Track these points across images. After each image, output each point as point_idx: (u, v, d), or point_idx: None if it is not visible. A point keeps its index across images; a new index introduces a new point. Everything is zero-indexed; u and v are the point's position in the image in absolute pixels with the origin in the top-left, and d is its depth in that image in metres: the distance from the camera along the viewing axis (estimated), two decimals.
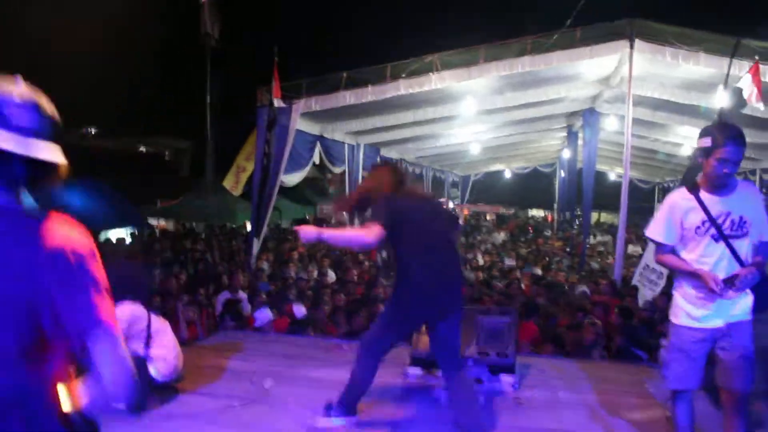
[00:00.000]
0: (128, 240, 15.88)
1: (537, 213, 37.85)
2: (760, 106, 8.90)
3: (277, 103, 10.55)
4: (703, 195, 3.33)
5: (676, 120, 14.20)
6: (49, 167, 1.63)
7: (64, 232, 1.58)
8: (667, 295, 8.80)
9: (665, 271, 9.56)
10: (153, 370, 4.29)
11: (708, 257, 3.29)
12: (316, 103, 11.20)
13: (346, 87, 11.09)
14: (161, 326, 4.35)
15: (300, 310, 7.71)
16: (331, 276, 10.92)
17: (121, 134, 30.82)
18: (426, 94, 11.56)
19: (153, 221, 18.90)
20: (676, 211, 3.38)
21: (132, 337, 4.16)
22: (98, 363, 1.58)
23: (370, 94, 10.99)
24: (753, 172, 18.45)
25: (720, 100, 9.10)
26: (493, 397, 4.69)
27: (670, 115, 13.82)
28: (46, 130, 1.61)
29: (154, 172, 26.54)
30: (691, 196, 3.35)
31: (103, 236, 15.95)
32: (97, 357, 1.58)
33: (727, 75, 6.37)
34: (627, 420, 4.29)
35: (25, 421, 1.54)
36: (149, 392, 4.26)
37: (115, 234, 16.00)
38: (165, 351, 4.32)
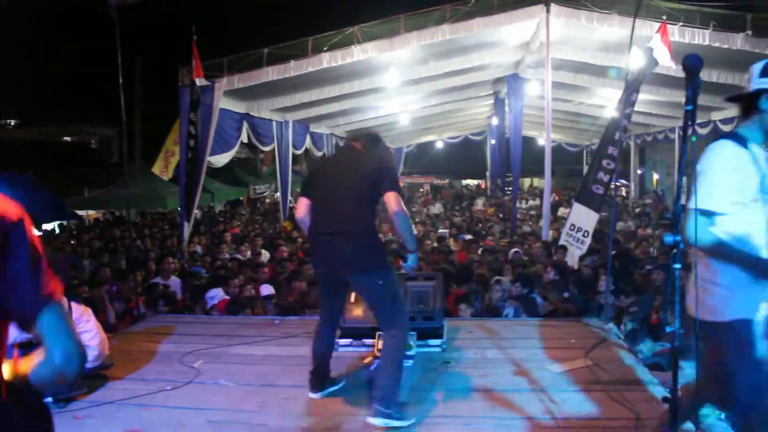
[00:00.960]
0: (57, 231, 15.44)
1: (471, 182, 38.37)
2: (672, 64, 9.21)
3: (199, 82, 10.34)
4: (756, 149, 2.66)
5: (597, 83, 14.55)
6: None
7: None
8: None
9: (591, 229, 9.89)
10: None
11: (761, 227, 2.61)
12: (239, 81, 11.04)
13: (268, 63, 10.96)
14: (82, 314, 4.27)
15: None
16: (266, 255, 10.85)
17: (43, 124, 29.64)
18: (350, 67, 11.53)
19: (82, 212, 18.38)
20: (742, 169, 2.59)
21: None
22: (44, 335, 1.55)
23: (292, 69, 10.90)
24: (672, 130, 19.09)
25: (633, 61, 9.37)
26: (423, 360, 4.80)
27: (591, 78, 14.16)
28: None
29: (81, 161, 25.69)
30: (746, 150, 2.62)
31: None
32: (43, 329, 1.55)
33: (631, 36, 6.56)
34: (550, 372, 4.47)
35: None
36: (75, 381, 4.19)
37: (42, 227, 15.52)
38: (87, 337, 4.24)
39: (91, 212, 19.49)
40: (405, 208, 3.74)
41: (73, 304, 4.20)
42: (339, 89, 13.44)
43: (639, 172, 28.27)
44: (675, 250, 2.18)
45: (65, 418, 3.92)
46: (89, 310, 4.42)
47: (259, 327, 5.99)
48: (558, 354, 4.85)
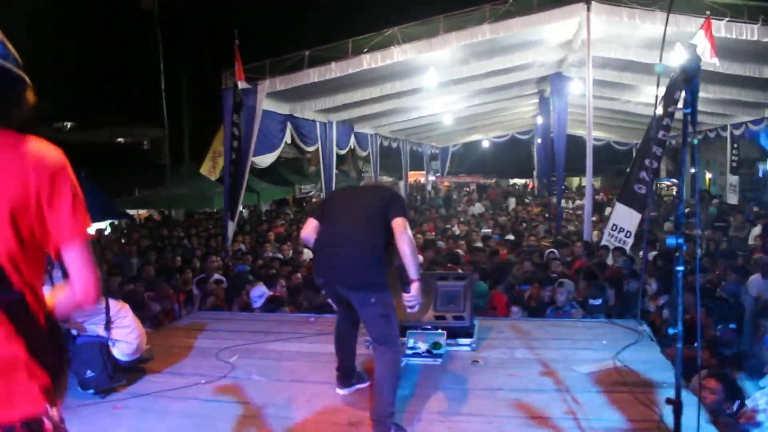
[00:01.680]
0: (107, 231, 15.93)
1: (518, 181, 38.04)
2: (715, 61, 9.04)
3: (242, 85, 10.56)
4: None
5: (643, 80, 14.28)
6: (18, 85, 1.76)
7: (44, 147, 1.75)
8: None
9: (633, 230, 9.76)
10: (116, 351, 4.40)
11: None
12: (281, 83, 11.23)
13: (309, 65, 11.12)
14: (120, 309, 4.44)
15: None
16: (308, 254, 11.01)
17: (97, 126, 30.50)
18: (390, 68, 11.62)
19: (133, 211, 18.90)
20: None
21: (91, 322, 4.26)
22: (70, 268, 1.76)
23: (333, 70, 11.04)
24: (724, 128, 18.63)
25: (677, 58, 9.22)
26: (451, 360, 4.85)
27: (636, 76, 13.91)
28: (8, 55, 1.74)
29: (133, 162, 26.37)
30: None
31: None
32: (69, 262, 1.76)
33: (665, 31, 6.46)
34: (578, 373, 4.46)
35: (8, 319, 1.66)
36: (114, 373, 4.38)
37: (94, 226, 16.04)
38: (125, 332, 4.43)
39: (142, 212, 20.01)
40: (411, 234, 3.81)
41: (111, 300, 4.38)
42: (380, 90, 13.53)
43: (692, 171, 27.62)
44: (678, 253, 2.19)
45: (105, 407, 4.11)
46: (126, 306, 4.60)
47: (295, 324, 6.12)
48: (588, 355, 4.84)
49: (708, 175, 26.56)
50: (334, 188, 15.99)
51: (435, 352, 4.85)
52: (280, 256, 10.43)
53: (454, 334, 5.05)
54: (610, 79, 13.92)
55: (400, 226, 3.73)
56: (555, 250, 10.03)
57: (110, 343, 4.39)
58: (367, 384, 4.28)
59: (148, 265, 8.72)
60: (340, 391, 4.22)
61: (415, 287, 3.83)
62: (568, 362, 4.68)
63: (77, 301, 1.81)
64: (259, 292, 7.23)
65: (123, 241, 13.77)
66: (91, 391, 4.29)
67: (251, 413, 3.95)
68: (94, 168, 19.68)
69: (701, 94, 13.99)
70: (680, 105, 10.33)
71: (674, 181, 26.80)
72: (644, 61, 12.04)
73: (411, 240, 3.76)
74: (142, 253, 11.23)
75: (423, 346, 4.89)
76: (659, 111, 9.59)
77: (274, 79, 11.22)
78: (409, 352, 4.86)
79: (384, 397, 3.56)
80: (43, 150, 1.74)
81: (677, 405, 2.30)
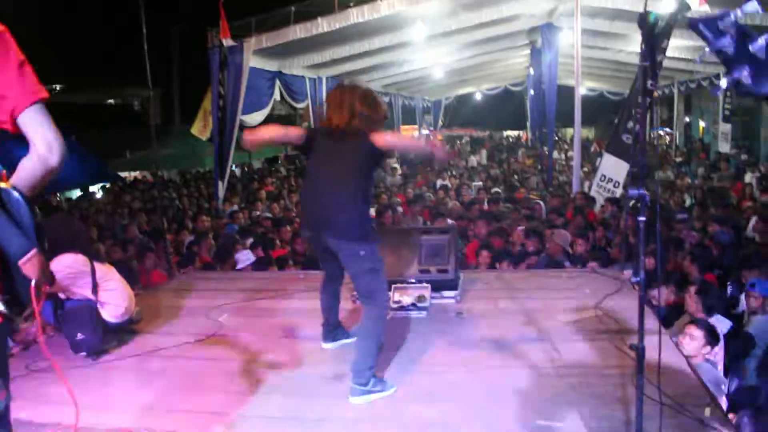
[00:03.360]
0: (99, 194, 15.95)
1: (511, 133, 37.90)
2: (705, 8, 8.96)
3: (227, 43, 10.45)
4: None
5: (634, 29, 14.10)
6: None
7: None
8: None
9: (621, 180, 9.80)
10: (105, 314, 4.46)
11: None
12: (267, 40, 11.12)
13: (295, 21, 10.99)
14: (106, 272, 4.48)
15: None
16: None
17: (87, 88, 30.16)
18: (378, 22, 11.48)
19: (125, 173, 18.88)
20: None
21: (78, 286, 4.31)
22: (28, 130, 1.80)
23: (320, 25, 10.91)
24: (717, 76, 18.50)
25: (667, 6, 9.15)
26: (436, 312, 4.93)
27: (629, 24, 13.75)
28: None
29: (124, 123, 26.16)
30: None
31: (72, 194, 16.01)
32: (26, 125, 1.80)
33: None
34: (560, 322, 4.55)
35: None
36: (104, 335, 4.46)
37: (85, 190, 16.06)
38: (113, 295, 4.48)
39: (134, 173, 19.99)
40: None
41: (96, 264, 4.42)
42: (369, 44, 13.38)
43: (686, 120, 27.52)
44: (639, 204, 2.23)
45: (97, 369, 4.19)
46: (113, 269, 4.63)
47: (284, 281, 6.20)
48: (570, 304, 4.92)
49: (701, 124, 26.49)
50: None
51: (419, 305, 4.93)
52: (268, 214, 10.47)
53: (438, 287, 5.12)
54: (602, 28, 13.78)
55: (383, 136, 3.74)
56: (541, 202, 10.09)
57: (99, 306, 4.44)
58: (353, 339, 4.36)
59: (133, 226, 8.74)
60: (325, 346, 4.30)
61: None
62: (551, 312, 4.77)
63: (42, 160, 1.80)
64: (245, 256, 7.28)
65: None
66: (83, 353, 4.37)
67: (239, 370, 4.03)
68: (84, 130, 19.64)
69: (693, 43, 13.90)
70: (679, 54, 10.30)
71: (667, 130, 26.75)
72: (635, 9, 11.91)
73: (399, 137, 3.78)
74: (133, 215, 11.27)
75: (407, 300, 4.96)
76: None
77: (260, 36, 11.11)
78: (393, 305, 4.93)
79: (365, 350, 3.60)
80: None
81: (640, 351, 2.37)
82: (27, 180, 1.81)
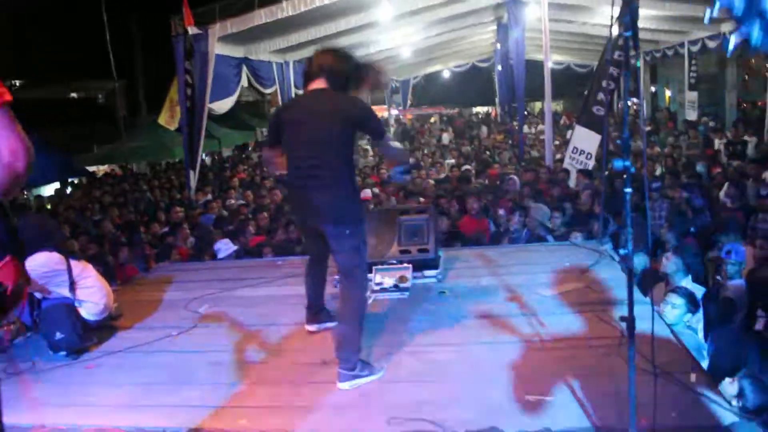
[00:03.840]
0: (68, 190, 15.66)
1: (481, 109, 37.93)
2: None
3: (192, 30, 10.26)
4: None
5: (599, 1, 14.18)
6: None
7: None
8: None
9: (593, 151, 9.86)
10: (83, 312, 4.39)
11: None
12: (232, 26, 10.91)
13: (260, 5, 10.81)
14: (82, 269, 4.40)
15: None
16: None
17: (48, 83, 29.49)
18: (344, 3, 11.34)
19: (93, 168, 18.54)
20: None
21: (54, 284, 4.23)
22: None
23: (285, 9, 10.73)
24: (681, 45, 18.63)
25: None
26: (418, 292, 4.92)
27: None
28: None
29: (89, 117, 25.65)
30: None
31: (40, 191, 15.71)
32: None
33: None
34: (542, 296, 4.57)
35: None
36: (84, 333, 4.38)
37: (53, 187, 15.76)
38: (91, 292, 4.40)
39: (102, 167, 19.65)
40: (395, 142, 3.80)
41: (72, 261, 4.34)
42: (335, 26, 13.21)
43: (652, 89, 27.73)
44: (625, 175, 2.22)
45: (77, 368, 4.13)
46: (89, 266, 4.55)
47: (262, 269, 6.15)
48: (552, 278, 4.95)
49: (668, 93, 26.74)
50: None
51: (401, 286, 4.92)
52: (242, 201, 10.36)
53: (419, 266, 5.11)
54: (567, 1, 13.79)
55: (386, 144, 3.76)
56: (515, 178, 10.13)
57: (77, 304, 4.36)
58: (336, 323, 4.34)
59: (106, 221, 8.60)
60: (309, 328, 4.25)
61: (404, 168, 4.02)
62: (533, 286, 4.78)
63: (7, 164, 1.75)
64: (225, 245, 7.21)
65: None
66: (63, 353, 4.29)
67: (224, 360, 3.99)
68: (48, 125, 19.24)
69: (657, 12, 13.98)
70: (643, 23, 10.30)
71: (635, 100, 26.97)
72: None
73: (396, 144, 3.83)
74: (104, 210, 11.09)
75: (389, 281, 4.95)
76: (615, 31, 9.57)
77: (225, 22, 10.89)
78: (375, 288, 4.92)
79: (349, 333, 3.57)
80: None
81: (630, 322, 2.38)
82: None
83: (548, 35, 10.73)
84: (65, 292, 4.29)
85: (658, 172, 11.17)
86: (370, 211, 6.13)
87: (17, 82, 31.09)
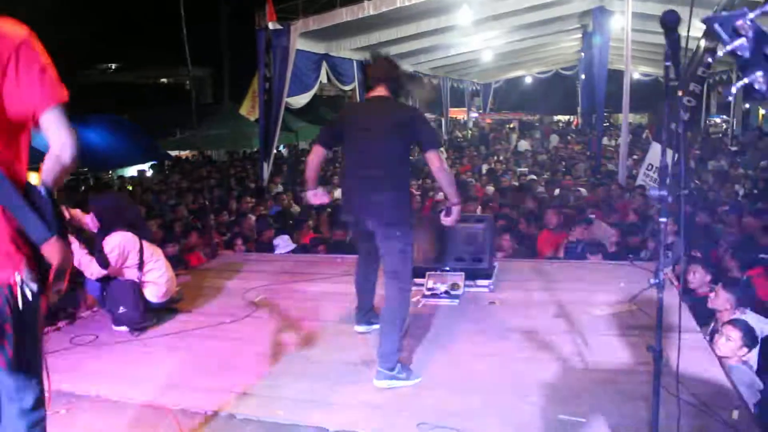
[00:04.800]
0: (149, 173, 16.31)
1: (562, 118, 37.25)
2: None
3: (273, 26, 10.54)
4: None
5: (686, 13, 13.69)
6: None
7: (7, 24, 1.93)
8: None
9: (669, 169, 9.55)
10: (147, 293, 4.62)
11: None
12: (313, 23, 11.17)
13: (342, 4, 11.01)
14: (152, 253, 4.64)
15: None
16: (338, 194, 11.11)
17: (141, 67, 30.72)
18: (425, 5, 11.42)
19: (175, 152, 19.20)
20: None
21: (125, 264, 4.47)
22: (47, 132, 1.96)
23: (366, 9, 10.90)
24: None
25: None
26: (469, 301, 4.94)
27: (681, 9, 13.13)
28: None
29: (175, 102, 26.59)
30: None
31: (125, 171, 16.43)
32: (46, 127, 1.96)
33: None
34: (591, 315, 4.51)
35: None
36: (146, 313, 4.62)
37: (137, 168, 16.43)
38: (157, 275, 4.64)
39: (184, 152, 20.31)
40: (446, 165, 3.83)
41: (145, 243, 4.58)
42: (416, 27, 13.32)
43: (746, 106, 26.59)
44: (661, 204, 2.20)
45: (136, 345, 4.36)
46: (159, 250, 4.81)
47: (322, 265, 6.29)
48: (604, 297, 4.86)
49: (761, 111, 25.59)
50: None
51: (453, 292, 4.96)
52: None
53: (472, 275, 5.14)
54: (654, 12, 13.39)
55: (434, 161, 3.73)
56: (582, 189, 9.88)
57: (141, 286, 4.60)
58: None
59: (181, 206, 8.94)
60: (358, 329, 4.35)
61: (456, 210, 3.93)
62: (584, 304, 4.72)
63: (57, 158, 1.96)
64: (283, 241, 7.37)
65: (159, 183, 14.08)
66: (124, 327, 4.55)
67: (269, 352, 4.13)
68: (137, 109, 20.06)
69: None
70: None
71: (724, 117, 25.95)
72: None
73: (448, 171, 3.87)
74: (180, 195, 11.51)
75: (441, 287, 5.00)
76: (699, 47, 9.27)
77: (307, 18, 11.16)
78: (427, 292, 4.98)
79: (390, 332, 3.64)
80: (5, 28, 1.91)
81: (657, 353, 2.35)
82: (48, 176, 1.97)
83: (630, 45, 10.44)
84: (133, 273, 4.53)
85: (741, 194, 10.69)
86: (427, 217, 6.18)
87: (112, 65, 32.50)
